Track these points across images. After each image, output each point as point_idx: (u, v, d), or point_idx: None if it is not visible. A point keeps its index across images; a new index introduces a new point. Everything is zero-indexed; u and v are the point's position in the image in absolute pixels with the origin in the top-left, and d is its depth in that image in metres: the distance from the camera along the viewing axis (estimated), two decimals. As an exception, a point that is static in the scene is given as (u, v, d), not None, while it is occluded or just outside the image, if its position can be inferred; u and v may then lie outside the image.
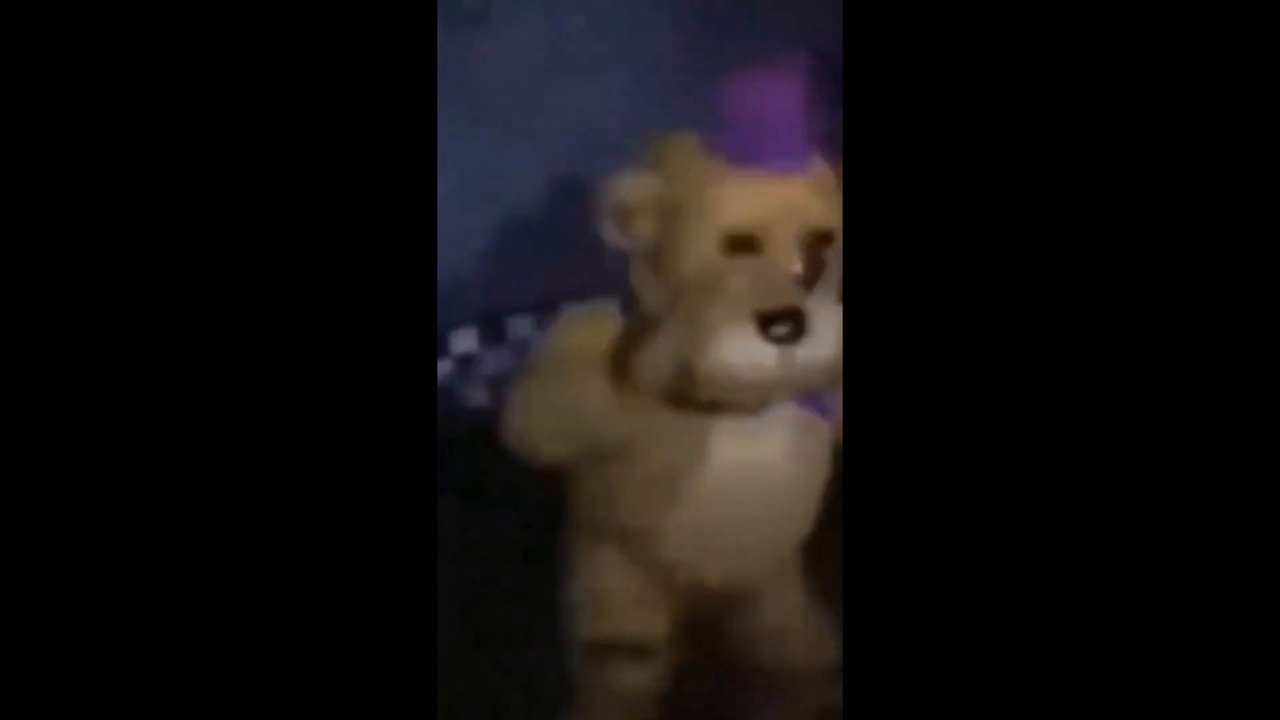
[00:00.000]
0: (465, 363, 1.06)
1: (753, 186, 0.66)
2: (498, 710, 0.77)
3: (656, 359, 0.65)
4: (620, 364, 0.68)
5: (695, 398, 0.65)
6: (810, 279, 0.65)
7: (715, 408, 0.66)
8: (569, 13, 0.98)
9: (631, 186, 0.67)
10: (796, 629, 0.78)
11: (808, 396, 0.68)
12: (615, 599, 0.76)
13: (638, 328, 0.68)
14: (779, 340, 0.62)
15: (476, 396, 1.06)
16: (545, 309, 0.96)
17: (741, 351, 0.62)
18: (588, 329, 0.71)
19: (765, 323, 0.62)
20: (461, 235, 0.96)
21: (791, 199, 0.66)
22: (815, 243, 0.66)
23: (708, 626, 0.78)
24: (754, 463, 0.70)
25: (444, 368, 1.05)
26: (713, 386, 0.64)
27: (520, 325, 1.07)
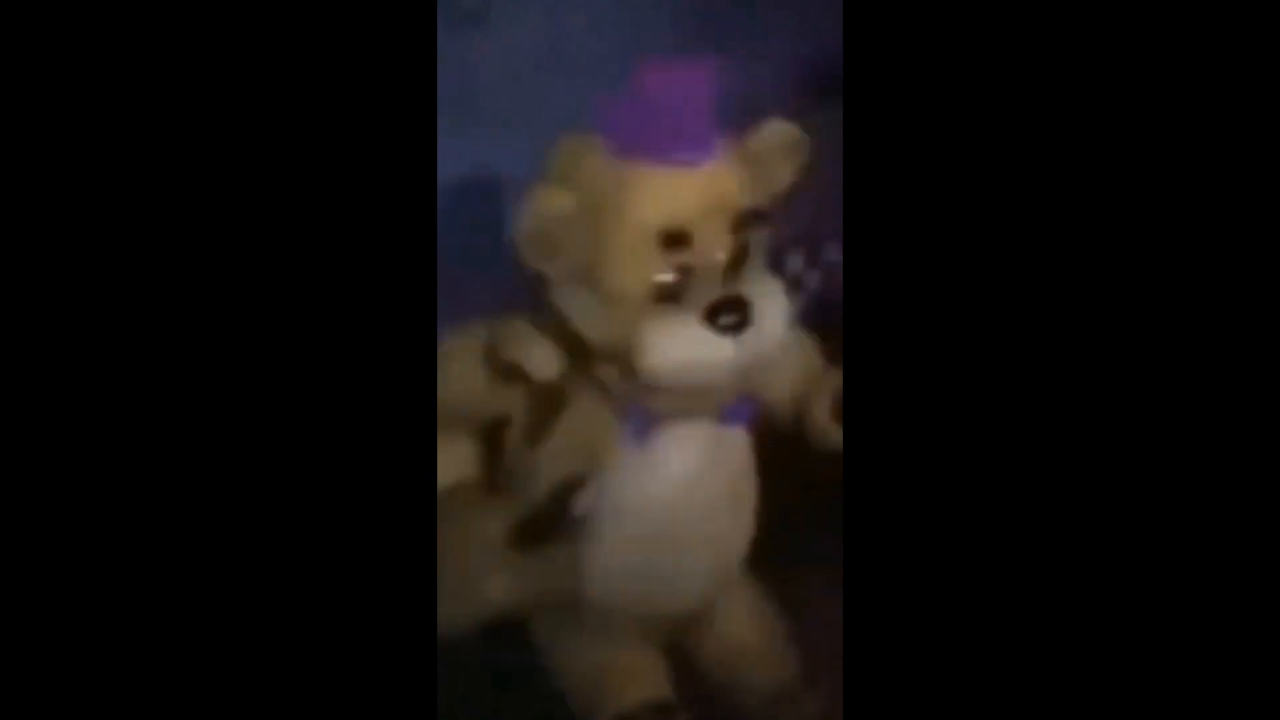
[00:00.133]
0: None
1: (671, 181, 0.64)
2: (498, 710, 0.76)
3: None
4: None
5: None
6: (736, 263, 0.64)
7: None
8: (569, 13, 0.98)
9: (543, 208, 0.64)
10: (758, 643, 0.77)
11: (728, 407, 0.68)
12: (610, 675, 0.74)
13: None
14: (726, 330, 0.62)
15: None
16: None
17: (692, 346, 0.62)
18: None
19: (711, 314, 0.62)
20: (461, 235, 0.96)
21: (711, 186, 0.65)
22: (747, 224, 0.65)
23: (687, 655, 0.77)
24: (664, 494, 0.69)
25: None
26: (667, 385, 0.64)
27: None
